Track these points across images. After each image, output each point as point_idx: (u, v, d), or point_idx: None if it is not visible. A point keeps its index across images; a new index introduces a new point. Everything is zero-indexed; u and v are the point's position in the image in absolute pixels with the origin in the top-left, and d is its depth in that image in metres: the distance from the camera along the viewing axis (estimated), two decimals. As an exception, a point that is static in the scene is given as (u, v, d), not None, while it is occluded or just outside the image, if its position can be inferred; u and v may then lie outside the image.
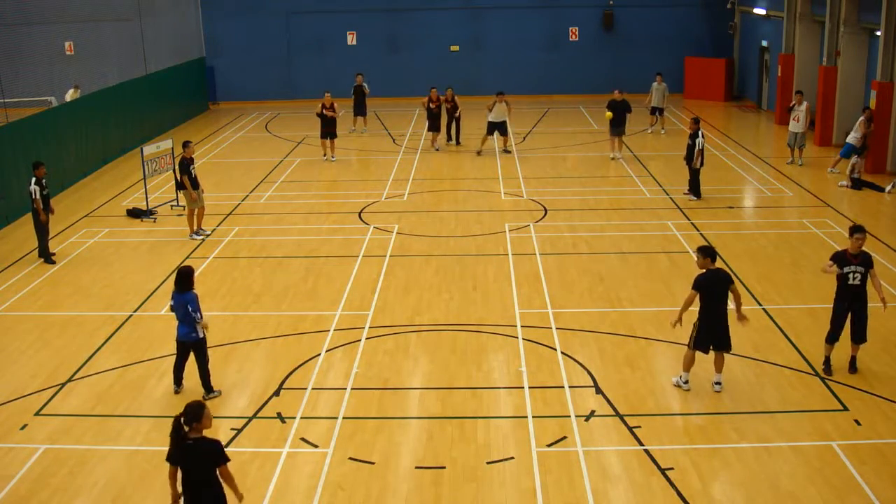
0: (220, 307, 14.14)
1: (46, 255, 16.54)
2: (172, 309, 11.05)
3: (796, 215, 18.92)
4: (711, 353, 11.01)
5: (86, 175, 23.42)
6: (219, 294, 14.73)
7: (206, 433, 7.65)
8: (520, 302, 14.03)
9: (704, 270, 10.82)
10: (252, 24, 34.89)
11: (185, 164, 17.42)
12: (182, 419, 7.56)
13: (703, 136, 19.67)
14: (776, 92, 29.32)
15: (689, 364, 11.04)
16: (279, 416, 10.67)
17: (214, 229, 18.34)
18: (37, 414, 10.91)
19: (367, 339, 12.83)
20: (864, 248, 11.28)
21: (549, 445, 9.88)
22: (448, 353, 12.31)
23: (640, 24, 34.76)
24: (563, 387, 11.24)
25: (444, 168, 23.76)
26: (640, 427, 10.20)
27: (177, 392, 11.25)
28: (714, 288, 10.73)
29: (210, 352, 11.34)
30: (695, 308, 10.86)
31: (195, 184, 17.50)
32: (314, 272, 15.66)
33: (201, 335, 10.95)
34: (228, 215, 19.47)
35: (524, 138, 27.41)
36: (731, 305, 10.93)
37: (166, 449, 7.83)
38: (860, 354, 11.55)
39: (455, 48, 35.31)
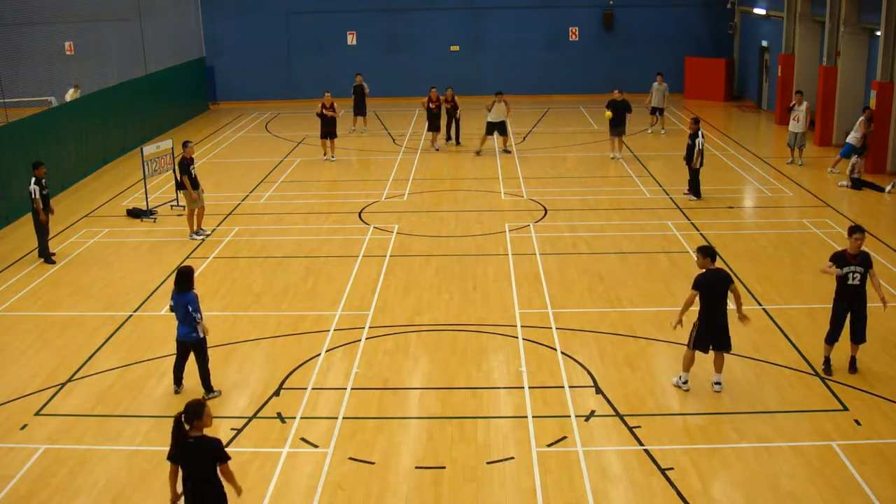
0: (220, 307, 14.14)
1: (46, 255, 16.54)
2: (172, 309, 11.04)
3: (796, 215, 18.92)
4: (711, 353, 11.01)
5: (86, 175, 23.42)
6: (219, 294, 14.73)
7: (206, 432, 7.67)
8: (520, 302, 14.03)
9: (704, 270, 10.82)
10: (252, 24, 34.90)
11: (185, 164, 17.42)
12: (183, 417, 7.58)
13: (702, 136, 19.67)
14: (776, 92, 29.32)
15: (688, 364, 11.04)
16: (279, 416, 10.67)
17: (214, 229, 18.34)
18: (37, 414, 10.91)
19: (367, 339, 12.83)
20: (863, 248, 11.28)
21: (549, 445, 9.88)
22: (448, 353, 12.31)
23: (640, 24, 34.76)
24: (563, 387, 11.24)
25: (444, 168, 23.76)
26: (640, 427, 10.20)
27: (177, 392, 11.25)
28: (714, 288, 10.73)
29: (210, 352, 11.34)
30: (694, 308, 10.86)
31: (195, 184, 17.50)
32: (314, 272, 15.66)
33: (201, 335, 10.96)
34: (228, 215, 19.47)
35: (524, 138, 27.41)
36: (731, 306, 10.94)
37: (166, 449, 7.84)
38: (860, 354, 11.55)
39: (455, 48, 35.32)
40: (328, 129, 24.38)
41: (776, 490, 8.99)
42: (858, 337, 11.35)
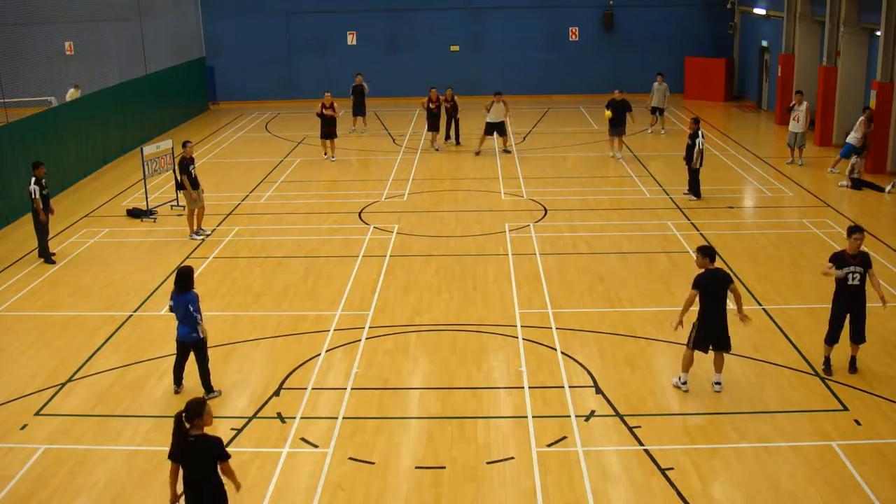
0: (220, 307, 14.14)
1: (46, 255, 16.54)
2: (172, 309, 11.04)
3: (796, 215, 18.92)
4: (711, 353, 11.01)
5: (86, 175, 23.42)
6: (219, 294, 14.73)
7: (206, 431, 7.68)
8: (520, 302, 14.03)
9: (704, 270, 10.82)
10: (252, 24, 34.90)
11: (185, 164, 17.42)
12: (183, 416, 7.59)
13: (703, 136, 19.67)
14: (776, 92, 29.32)
15: (687, 364, 11.04)
16: (279, 416, 10.67)
17: (214, 229, 18.34)
18: (37, 414, 10.91)
19: (367, 339, 12.83)
20: (863, 248, 11.28)
21: (549, 445, 9.88)
22: (448, 353, 12.31)
23: (640, 24, 34.76)
24: (563, 387, 11.24)
25: (444, 168, 23.76)
26: (640, 427, 10.20)
27: (177, 392, 11.25)
28: (713, 287, 10.73)
29: (210, 352, 11.34)
30: (694, 308, 10.86)
31: (195, 184, 17.50)
32: (314, 272, 15.66)
33: (202, 335, 10.96)
34: (228, 215, 19.47)
35: (524, 138, 27.41)
36: (731, 306, 10.94)
37: (166, 449, 7.85)
38: (860, 354, 11.55)
39: (455, 48, 35.31)
40: (328, 129, 24.39)
41: (776, 490, 9.00)
42: (858, 337, 11.35)
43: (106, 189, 22.18)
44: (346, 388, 11.32)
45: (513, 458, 9.65)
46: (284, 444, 10.03)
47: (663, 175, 22.10)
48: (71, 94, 26.57)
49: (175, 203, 20.05)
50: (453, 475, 9.37)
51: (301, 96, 34.54)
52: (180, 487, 7.75)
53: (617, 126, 23.82)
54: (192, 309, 10.76)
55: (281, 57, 35.27)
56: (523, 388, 11.23)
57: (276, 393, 11.25)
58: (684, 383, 11.05)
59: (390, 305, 14.05)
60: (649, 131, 27.85)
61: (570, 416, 10.48)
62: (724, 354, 11.07)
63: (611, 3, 34.67)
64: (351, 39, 35.25)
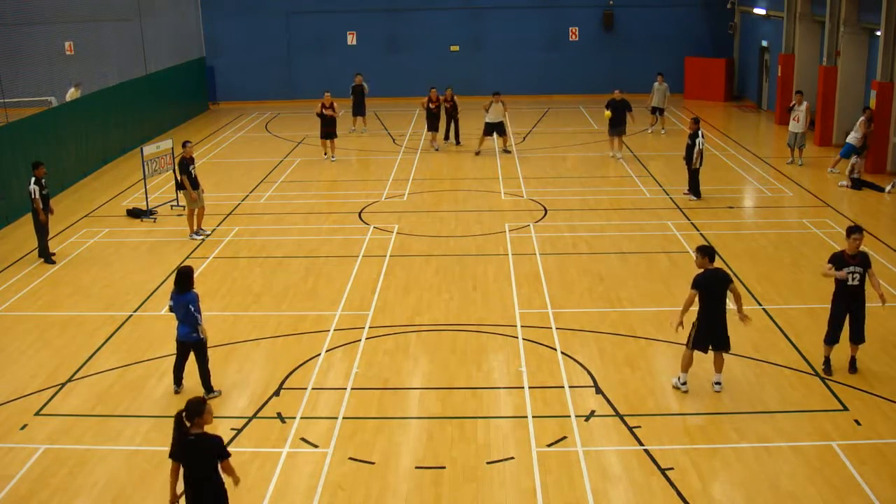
0: (220, 307, 14.14)
1: (46, 255, 16.54)
2: (172, 309, 11.04)
3: (796, 215, 18.92)
4: (711, 353, 11.01)
5: (86, 175, 23.42)
6: (219, 294, 14.73)
7: (207, 430, 7.69)
8: (520, 302, 14.03)
9: (703, 270, 10.82)
10: (252, 24, 34.90)
11: (185, 164, 17.42)
12: (184, 414, 7.60)
13: (703, 136, 19.67)
14: (776, 92, 29.32)
15: (687, 364, 11.03)
16: (279, 416, 10.67)
17: (214, 229, 18.34)
18: (37, 414, 10.91)
19: (367, 339, 12.83)
20: (862, 248, 11.28)
21: (549, 445, 9.88)
22: (448, 353, 12.31)
23: (640, 24, 34.76)
24: (563, 387, 11.24)
25: (444, 168, 23.76)
26: (640, 427, 10.20)
27: (177, 392, 11.25)
28: (713, 287, 10.73)
29: (210, 352, 11.34)
30: (694, 308, 10.85)
31: (195, 184, 17.50)
32: (314, 272, 15.66)
33: (202, 336, 10.96)
34: (228, 215, 19.47)
35: (524, 138, 27.41)
36: (731, 306, 10.93)
37: (166, 449, 7.85)
38: (860, 354, 11.55)
39: (455, 48, 35.31)
40: (328, 129, 24.39)
41: (776, 490, 9.00)
42: (858, 337, 11.35)
43: (106, 189, 22.18)
44: (346, 388, 11.32)
45: (513, 458, 9.65)
46: (284, 444, 10.03)
47: (663, 175, 22.10)
48: (71, 93, 26.55)
49: (175, 203, 20.05)
50: (453, 475, 9.37)
51: (301, 96, 34.54)
52: (180, 487, 7.76)
53: (617, 126, 23.82)
54: (192, 309, 10.76)
55: (281, 57, 35.27)
56: (523, 388, 11.23)
57: (276, 393, 11.25)
58: (684, 384, 11.05)
59: (390, 305, 14.05)
60: (649, 131, 27.85)
61: (570, 416, 10.48)
62: (724, 354, 11.07)
63: (611, 3, 34.67)
64: (351, 39, 35.26)
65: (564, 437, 10.02)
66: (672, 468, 9.37)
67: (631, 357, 12.06)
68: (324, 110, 24.14)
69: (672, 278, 14.93)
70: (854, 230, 11.19)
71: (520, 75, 34.62)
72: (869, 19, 23.43)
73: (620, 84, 26.08)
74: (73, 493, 9.23)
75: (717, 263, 11.05)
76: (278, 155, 25.68)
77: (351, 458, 9.71)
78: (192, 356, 11.11)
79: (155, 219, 19.26)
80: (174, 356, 11.30)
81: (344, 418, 10.58)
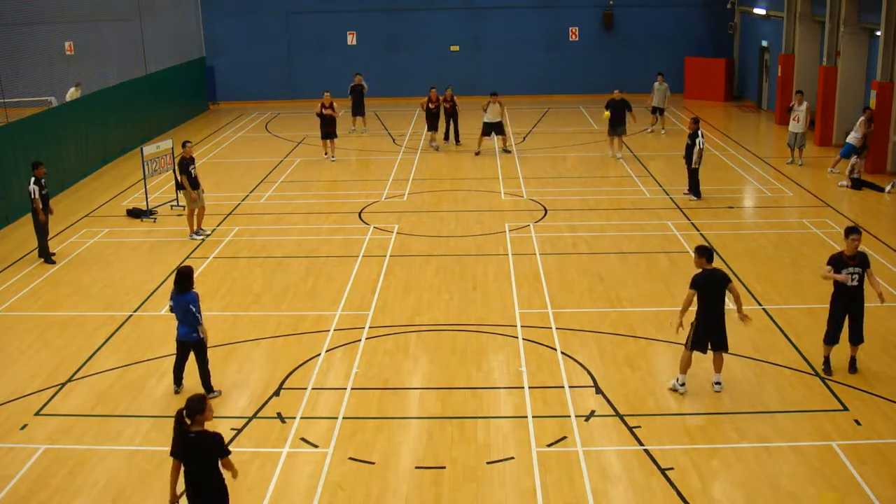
0: (220, 307, 14.15)
1: (46, 255, 16.54)
2: (172, 309, 11.04)
3: (796, 215, 18.92)
4: (710, 354, 11.00)
5: (86, 175, 23.42)
6: (219, 294, 14.73)
7: (207, 427, 7.70)
8: (520, 302, 14.03)
9: (701, 270, 10.82)
10: (252, 24, 34.90)
11: (185, 164, 17.42)
12: (184, 412, 7.61)
13: (702, 136, 19.67)
14: (776, 92, 29.32)
15: (685, 365, 11.02)
16: (279, 416, 10.68)
17: (214, 229, 18.34)
18: (37, 414, 10.91)
19: (367, 339, 12.83)
20: (861, 249, 11.28)
21: (549, 445, 9.88)
22: (448, 353, 12.31)
23: (640, 24, 34.76)
24: (563, 387, 11.24)
25: (444, 168, 23.76)
26: (640, 427, 10.20)
27: (177, 392, 11.25)
28: (711, 287, 10.72)
29: (210, 352, 11.34)
30: (693, 308, 10.85)
31: (195, 184, 17.50)
32: (314, 272, 15.66)
33: (202, 336, 10.96)
34: (228, 215, 19.47)
35: (524, 138, 27.41)
36: (730, 306, 10.93)
37: (166, 449, 7.86)
38: (860, 354, 11.55)
39: (455, 48, 35.31)
40: (328, 129, 24.40)
41: (776, 490, 9.00)
42: (857, 337, 11.34)
43: (106, 189, 22.18)
44: (346, 388, 11.32)
45: (513, 458, 9.65)
46: (284, 444, 10.03)
47: (663, 175, 22.10)
48: (71, 93, 26.57)
49: (175, 203, 20.05)
50: (453, 475, 9.38)
51: (301, 96, 34.54)
52: (181, 486, 7.76)
53: (617, 126, 23.82)
54: (193, 309, 10.76)
55: (281, 57, 35.27)
56: (523, 388, 11.23)
57: (276, 393, 11.25)
58: (682, 385, 11.03)
59: (390, 305, 14.05)
60: (649, 131, 27.85)
61: (570, 416, 10.48)
62: (724, 354, 11.06)
63: (611, 3, 34.67)
64: (351, 39, 35.26)
65: (564, 437, 10.02)
66: (672, 468, 9.37)
67: (631, 357, 12.06)
68: (323, 110, 24.15)
69: (672, 278, 14.92)
70: (852, 231, 11.19)
71: (520, 75, 34.63)
72: (869, 19, 23.43)
73: (620, 84, 26.07)
74: (73, 493, 9.23)
75: (717, 263, 11.05)
76: (278, 155, 25.68)
77: (351, 458, 9.71)
78: (192, 356, 11.11)
79: (155, 219, 19.26)
80: (174, 356, 11.30)
81: (344, 418, 10.58)
